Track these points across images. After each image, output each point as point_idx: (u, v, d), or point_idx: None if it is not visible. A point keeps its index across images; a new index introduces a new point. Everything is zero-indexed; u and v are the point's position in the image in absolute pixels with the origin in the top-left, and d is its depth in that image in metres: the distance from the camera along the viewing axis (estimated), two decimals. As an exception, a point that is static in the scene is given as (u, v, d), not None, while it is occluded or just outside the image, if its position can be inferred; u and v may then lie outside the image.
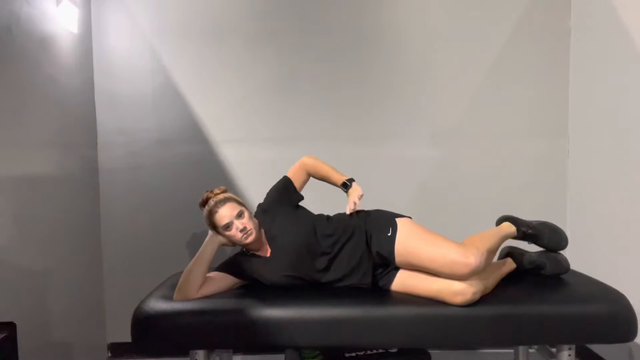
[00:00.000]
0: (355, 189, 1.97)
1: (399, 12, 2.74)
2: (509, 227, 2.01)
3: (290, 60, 2.73)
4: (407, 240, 1.84)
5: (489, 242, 1.85)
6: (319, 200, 2.14)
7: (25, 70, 2.04)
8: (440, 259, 1.74)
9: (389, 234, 1.87)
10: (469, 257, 1.71)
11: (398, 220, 1.91)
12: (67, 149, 2.38)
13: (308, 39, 2.73)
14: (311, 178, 2.09)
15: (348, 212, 1.94)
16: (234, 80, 2.73)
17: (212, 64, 2.73)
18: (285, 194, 2.01)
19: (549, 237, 1.99)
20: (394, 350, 2.26)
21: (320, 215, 2.00)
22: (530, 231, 2.00)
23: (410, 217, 1.96)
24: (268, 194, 2.03)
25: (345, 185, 1.98)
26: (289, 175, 2.05)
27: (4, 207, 1.85)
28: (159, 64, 2.71)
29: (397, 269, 1.88)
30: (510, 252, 2.06)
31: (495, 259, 2.00)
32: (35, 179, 2.07)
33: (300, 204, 2.06)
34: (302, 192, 2.07)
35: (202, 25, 2.72)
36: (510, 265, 2.02)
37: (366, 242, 1.90)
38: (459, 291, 1.72)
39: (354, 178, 2.01)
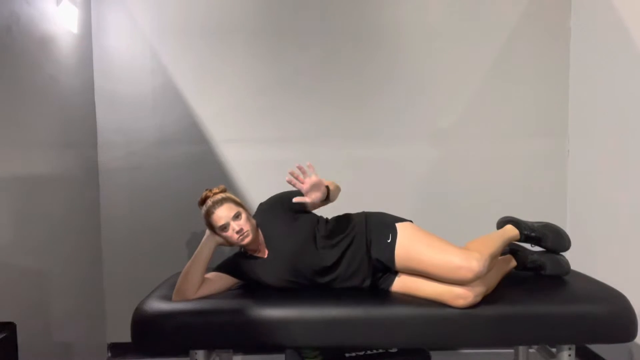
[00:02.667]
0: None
1: (400, 12, 2.73)
2: (511, 230, 1.99)
3: (290, 60, 2.73)
4: (408, 246, 1.81)
5: (493, 247, 1.83)
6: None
7: (25, 70, 2.03)
8: (443, 264, 1.72)
9: (389, 241, 1.83)
10: (472, 263, 1.68)
11: (398, 225, 1.87)
12: (67, 149, 2.37)
13: (308, 39, 2.73)
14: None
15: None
16: (234, 80, 2.73)
17: (212, 64, 2.72)
18: (288, 200, 1.93)
19: (552, 239, 1.98)
20: (394, 350, 2.26)
21: (320, 219, 1.97)
22: (533, 234, 1.99)
23: (411, 221, 1.93)
24: (272, 196, 2.00)
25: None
26: None
27: (4, 207, 1.84)
28: (159, 64, 2.71)
29: (397, 272, 1.87)
30: (511, 250, 2.05)
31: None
32: (35, 179, 2.07)
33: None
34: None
35: (202, 25, 2.71)
36: (511, 263, 2.02)
37: (366, 247, 1.87)
38: (460, 295, 1.70)
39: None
